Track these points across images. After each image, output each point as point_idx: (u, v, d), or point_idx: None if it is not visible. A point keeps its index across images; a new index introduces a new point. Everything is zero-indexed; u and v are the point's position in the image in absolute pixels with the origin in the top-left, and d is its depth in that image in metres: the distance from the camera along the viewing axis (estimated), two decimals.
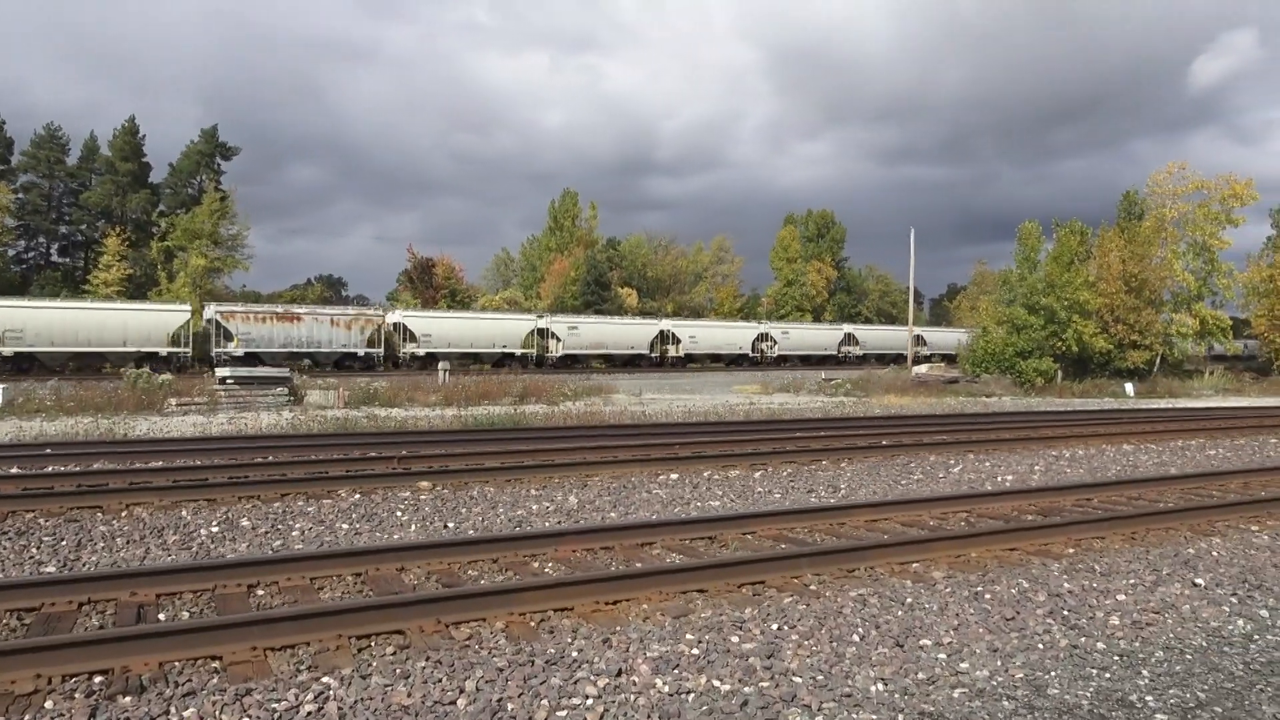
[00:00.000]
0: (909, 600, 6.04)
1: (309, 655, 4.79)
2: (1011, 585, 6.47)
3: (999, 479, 11.92)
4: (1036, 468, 12.95)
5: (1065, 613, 5.89)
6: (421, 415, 19.93)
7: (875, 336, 66.72)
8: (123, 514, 8.45)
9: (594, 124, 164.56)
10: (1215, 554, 7.65)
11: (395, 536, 7.91)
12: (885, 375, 38.42)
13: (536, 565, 6.89)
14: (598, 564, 6.96)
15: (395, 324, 46.71)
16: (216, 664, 4.64)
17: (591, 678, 4.55)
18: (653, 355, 55.27)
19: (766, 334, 60.75)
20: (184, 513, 8.54)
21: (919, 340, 66.42)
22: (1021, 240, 42.60)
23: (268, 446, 12.79)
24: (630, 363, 54.14)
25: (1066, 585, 6.52)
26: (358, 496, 9.48)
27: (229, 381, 23.56)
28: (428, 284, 63.07)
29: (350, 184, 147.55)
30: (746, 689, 4.50)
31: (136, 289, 52.41)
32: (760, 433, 16.13)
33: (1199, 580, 6.79)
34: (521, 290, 73.79)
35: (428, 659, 4.73)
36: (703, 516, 8.53)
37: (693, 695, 4.41)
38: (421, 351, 45.49)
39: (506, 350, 49.07)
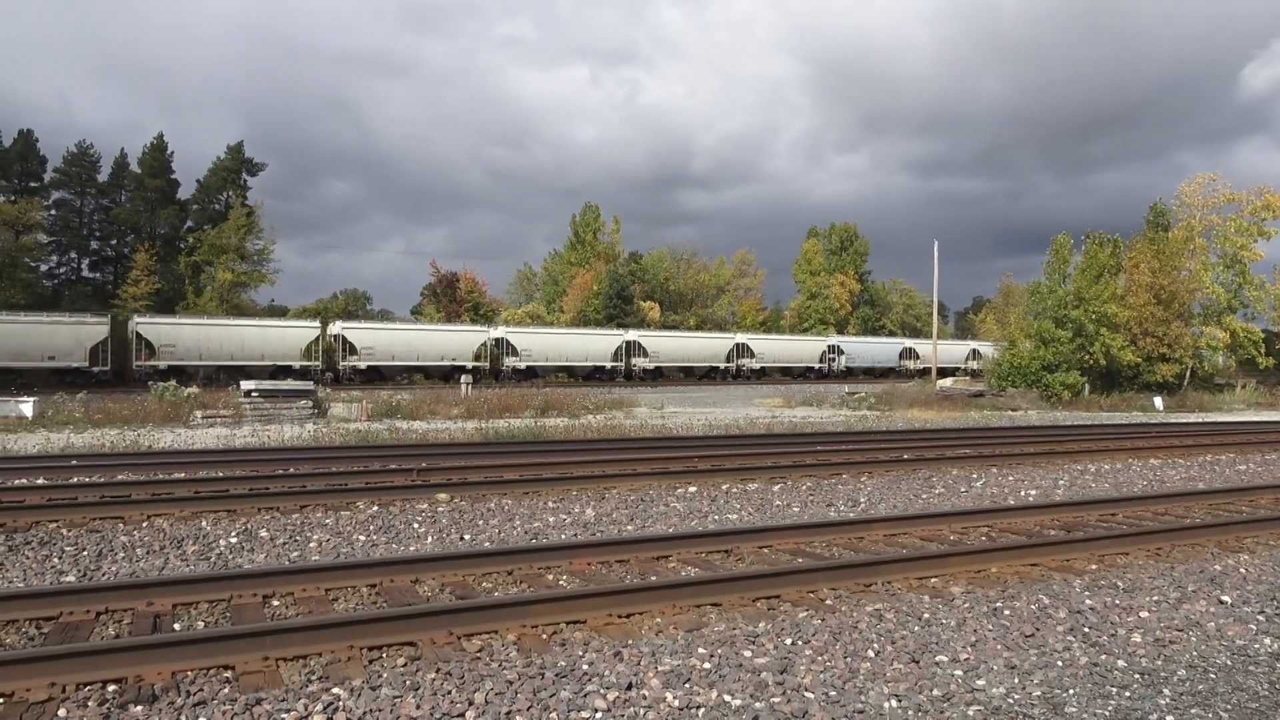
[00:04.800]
0: (926, 616, 5.96)
1: (320, 666, 4.79)
2: (1031, 601, 6.37)
3: (1022, 494, 11.77)
4: (1061, 482, 12.77)
5: (1086, 630, 5.79)
6: (443, 428, 20.02)
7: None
8: (144, 524, 8.53)
9: (628, 138, 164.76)
10: (1243, 570, 7.50)
11: (411, 548, 7.93)
12: (909, 389, 38.11)
13: (551, 578, 6.87)
14: (612, 577, 6.93)
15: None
16: (229, 674, 4.66)
17: (602, 691, 4.52)
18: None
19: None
20: (204, 523, 8.61)
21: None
22: (1054, 252, 42.15)
23: (289, 459, 12.88)
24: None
25: (1088, 602, 6.41)
26: (376, 508, 9.51)
27: (254, 394, 23.78)
28: (451, 298, 63.48)
29: (382, 199, 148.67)
30: (758, 704, 4.45)
31: (164, 303, 53.13)
32: (780, 446, 16.05)
33: (1225, 597, 6.66)
34: (544, 304, 74.07)
35: (438, 670, 4.73)
36: (719, 530, 8.48)
37: (703, 710, 4.37)
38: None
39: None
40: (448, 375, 45.36)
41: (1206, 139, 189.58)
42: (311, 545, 7.96)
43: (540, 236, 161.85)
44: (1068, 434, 19.90)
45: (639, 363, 53.65)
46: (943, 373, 59.96)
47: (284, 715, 4.15)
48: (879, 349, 66.89)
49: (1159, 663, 5.26)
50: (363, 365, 44.46)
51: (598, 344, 53.26)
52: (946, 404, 32.62)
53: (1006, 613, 6.09)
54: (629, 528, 9.05)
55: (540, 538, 8.47)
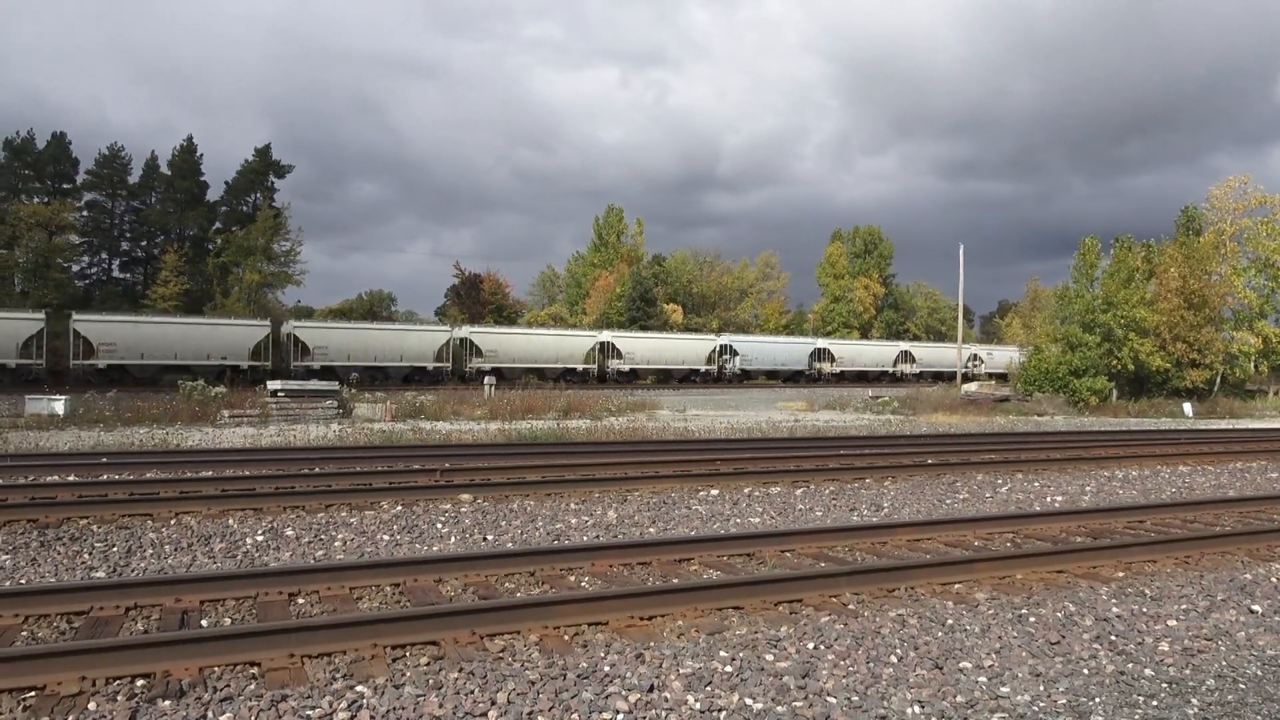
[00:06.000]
0: (950, 621, 5.92)
1: (345, 664, 4.84)
2: (1057, 608, 6.31)
3: (1048, 500, 11.65)
4: (1088, 489, 12.64)
5: (1113, 638, 5.72)
6: (466, 429, 20.11)
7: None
8: (172, 522, 8.64)
9: (655, 140, 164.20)
10: (1275, 580, 7.39)
11: (434, 548, 7.97)
12: (934, 393, 37.86)
13: (573, 579, 6.88)
14: (634, 579, 6.93)
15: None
16: (255, 670, 4.71)
17: (623, 693, 4.53)
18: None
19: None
20: (231, 521, 8.71)
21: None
22: (1081, 255, 41.65)
23: (314, 458, 12.98)
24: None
25: (1115, 609, 6.34)
26: (399, 508, 9.58)
27: (280, 394, 24.01)
28: (474, 299, 63.79)
29: (408, 200, 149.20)
30: (779, 708, 4.44)
31: (193, 303, 53.79)
32: (803, 450, 15.99)
33: (1256, 607, 6.56)
34: (567, 306, 74.28)
35: (461, 670, 4.75)
36: (742, 533, 8.46)
37: (725, 713, 4.37)
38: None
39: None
40: (408, 376, 45.17)
41: (1243, 141, 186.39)
42: (336, 544, 8.03)
43: (566, 238, 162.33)
44: (1095, 440, 19.68)
45: (614, 365, 52.38)
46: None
47: (309, 712, 4.19)
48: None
49: (1187, 672, 5.19)
50: (316, 366, 42.93)
51: (569, 345, 52.26)
52: (971, 409, 32.36)
53: (1032, 620, 6.03)
54: (651, 530, 9.06)
55: (563, 539, 8.49)
